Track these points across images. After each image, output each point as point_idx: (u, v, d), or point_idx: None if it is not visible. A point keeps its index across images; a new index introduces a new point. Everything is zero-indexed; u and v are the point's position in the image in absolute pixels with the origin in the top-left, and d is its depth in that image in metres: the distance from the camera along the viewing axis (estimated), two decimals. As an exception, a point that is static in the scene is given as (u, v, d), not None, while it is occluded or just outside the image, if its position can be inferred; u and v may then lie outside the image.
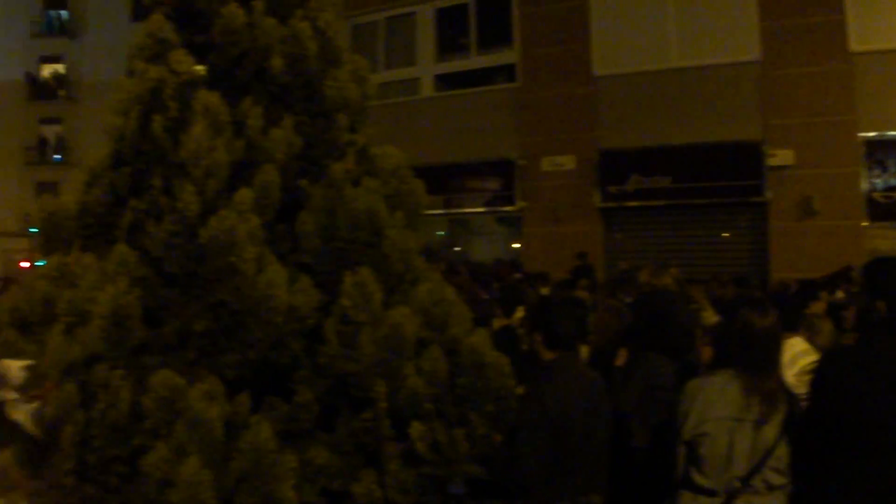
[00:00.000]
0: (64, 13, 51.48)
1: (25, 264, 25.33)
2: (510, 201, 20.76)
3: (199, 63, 4.42)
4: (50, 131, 51.24)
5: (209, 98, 4.13)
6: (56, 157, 50.84)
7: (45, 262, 4.42)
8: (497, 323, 8.51)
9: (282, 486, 3.68)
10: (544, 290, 13.33)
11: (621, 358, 6.05)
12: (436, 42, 22.42)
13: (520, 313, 9.07)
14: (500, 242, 22.66)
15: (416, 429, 4.03)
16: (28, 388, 2.04)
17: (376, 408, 3.95)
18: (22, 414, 2.02)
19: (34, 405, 2.06)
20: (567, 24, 20.01)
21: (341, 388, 4.04)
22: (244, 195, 3.86)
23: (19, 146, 50.44)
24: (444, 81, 22.34)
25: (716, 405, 4.19)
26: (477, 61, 21.84)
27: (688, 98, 18.56)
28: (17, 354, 3.86)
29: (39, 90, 50.86)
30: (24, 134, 50.56)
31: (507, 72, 21.30)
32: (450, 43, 22.42)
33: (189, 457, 3.49)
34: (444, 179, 20.44)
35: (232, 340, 3.81)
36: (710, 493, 4.14)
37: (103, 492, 3.61)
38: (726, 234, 18.65)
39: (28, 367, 2.09)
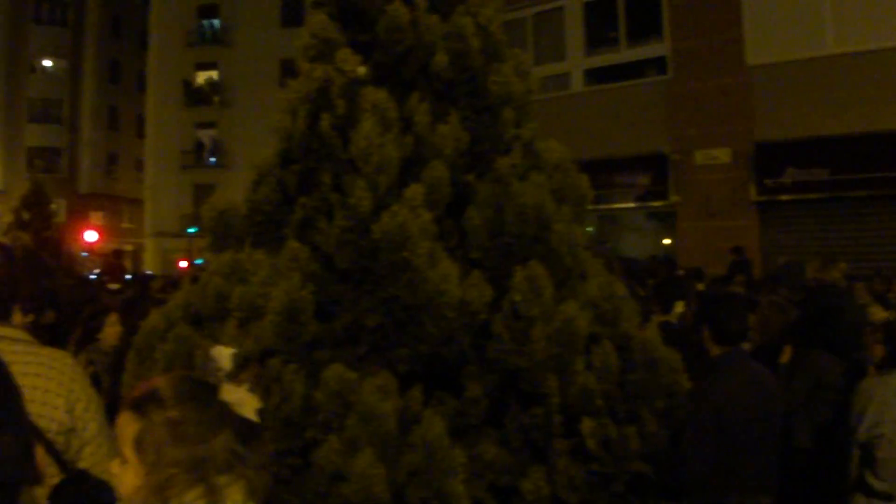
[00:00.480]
0: (216, 22, 53.30)
1: (183, 263, 26.34)
2: (663, 196, 20.37)
3: (363, 61, 4.46)
4: (205, 135, 53.24)
5: (377, 95, 4.17)
6: (211, 159, 52.82)
7: (206, 259, 4.54)
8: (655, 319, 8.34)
9: (452, 481, 3.68)
10: (699, 286, 13.05)
11: (786, 355, 5.87)
12: (584, 36, 22.21)
13: (679, 308, 8.89)
14: (650, 238, 22.29)
15: (586, 425, 3.97)
16: (236, 375, 2.08)
17: (547, 403, 3.91)
18: (233, 396, 2.06)
19: (243, 388, 2.10)
20: (718, 13, 19.48)
21: (510, 384, 4.01)
22: (415, 191, 3.88)
23: (177, 150, 52.60)
24: (594, 76, 22.10)
25: (893, 406, 4.02)
26: (627, 54, 21.52)
27: (845, 86, 17.81)
28: (191, 349, 3.98)
29: (195, 96, 52.86)
30: (182, 138, 52.69)
31: (658, 64, 20.92)
32: (599, 37, 22.18)
33: (362, 450, 3.52)
34: (593, 174, 20.15)
35: (403, 335, 3.83)
36: (887, 498, 3.97)
37: (275, 483, 3.68)
38: (888, 228, 17.84)
39: (235, 355, 2.13)
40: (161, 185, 52.63)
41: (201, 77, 53.57)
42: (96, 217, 62.72)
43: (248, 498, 2.02)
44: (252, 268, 4.02)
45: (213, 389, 2.07)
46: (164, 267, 39.69)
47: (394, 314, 3.80)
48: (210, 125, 52.76)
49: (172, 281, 16.17)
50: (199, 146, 53.00)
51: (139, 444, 2.00)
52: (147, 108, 56.47)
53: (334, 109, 4.20)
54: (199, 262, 27.12)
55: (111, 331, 6.56)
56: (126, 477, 2.04)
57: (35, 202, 42.65)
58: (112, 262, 18.07)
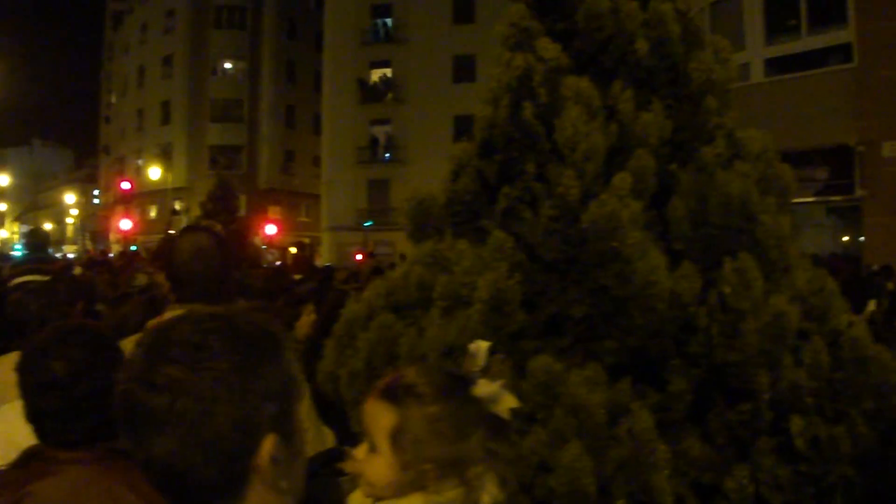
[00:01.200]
0: (389, 21, 54.23)
1: (359, 256, 26.89)
2: (847, 190, 19.51)
3: (562, 50, 4.39)
4: (380, 131, 54.30)
5: (579, 83, 4.10)
6: (386, 155, 53.79)
7: (396, 251, 4.57)
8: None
9: (658, 476, 3.60)
10: (889, 285, 12.53)
11: None
12: (764, 25, 21.48)
13: (871, 307, 8.54)
14: (829, 234, 21.41)
15: (795, 423, 3.80)
16: (489, 369, 2.06)
17: (757, 399, 3.76)
18: (488, 391, 2.04)
19: (498, 384, 2.07)
20: (909, -6, 18.52)
21: (714, 379, 3.88)
22: (623, 179, 3.79)
23: (352, 146, 53.81)
24: (775, 66, 21.35)
25: None
26: (808, 42, 20.71)
27: None
28: (395, 336, 4.02)
29: (369, 93, 53.95)
30: (357, 135, 53.88)
31: (842, 52, 20.04)
32: (779, 25, 21.42)
33: (569, 442, 3.47)
34: (772, 168, 19.42)
35: (611, 327, 3.75)
36: None
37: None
38: None
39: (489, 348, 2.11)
40: (337, 180, 53.94)
41: (375, 75, 54.60)
42: (274, 211, 64.88)
43: (500, 490, 2.00)
44: (454, 257, 4.01)
45: (468, 385, 2.05)
46: (339, 259, 40.67)
47: (601, 305, 3.72)
48: (384, 122, 53.74)
49: (354, 273, 16.57)
50: (374, 142, 54.05)
51: (395, 438, 1.99)
52: (323, 105, 58.00)
53: (536, 98, 4.15)
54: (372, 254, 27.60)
55: (306, 320, 6.71)
56: (375, 466, 2.03)
57: (221, 196, 44.61)
58: (299, 254, 18.74)
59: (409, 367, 2.15)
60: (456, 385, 2.05)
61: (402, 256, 25.15)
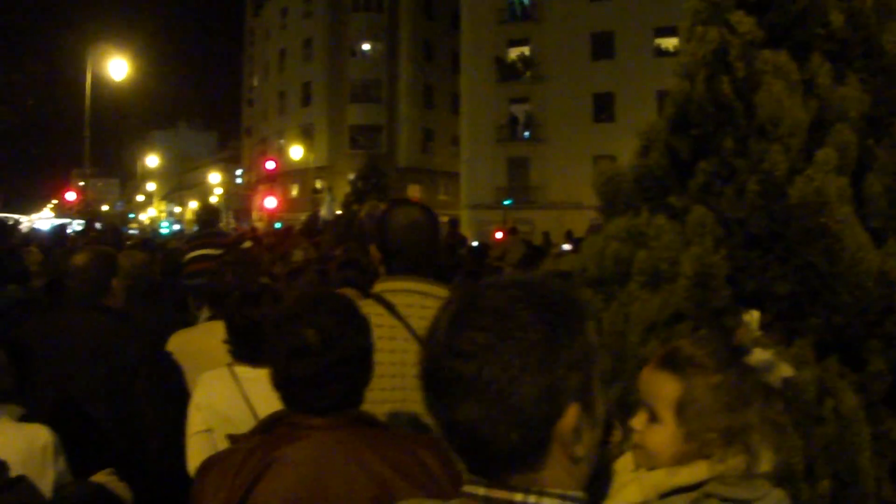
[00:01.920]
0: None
1: (499, 234, 26.87)
2: None
3: (756, 23, 4.31)
4: (518, 110, 54.22)
5: (777, 57, 4.02)
6: (525, 133, 53.69)
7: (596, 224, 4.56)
8: None
9: (862, 458, 3.53)
10: None
11: None
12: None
13: None
14: None
15: None
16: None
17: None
18: (762, 359, 2.06)
19: (770, 352, 2.09)
20: None
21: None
22: (828, 154, 3.71)
23: (491, 125, 53.90)
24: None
25: None
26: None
27: None
28: (595, 313, 4.04)
29: (508, 72, 53.89)
30: (495, 113, 53.93)
31: None
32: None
33: (778, 420, 3.43)
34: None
35: (817, 304, 3.69)
36: None
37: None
38: None
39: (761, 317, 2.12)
40: (476, 159, 54.13)
41: (513, 53, 54.42)
42: (414, 190, 65.53)
43: (775, 456, 2.01)
44: (653, 232, 4.00)
45: (745, 354, 2.07)
46: (479, 238, 40.87)
47: (808, 282, 3.66)
48: (523, 100, 53.59)
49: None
50: (513, 121, 53.97)
51: (681, 409, 2.02)
52: (461, 85, 58.19)
53: (733, 72, 4.09)
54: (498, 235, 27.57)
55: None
56: (657, 436, 2.06)
57: (370, 175, 45.53)
58: (453, 231, 19.01)
59: (684, 339, 2.17)
60: (734, 355, 2.07)
61: (546, 235, 25.05)
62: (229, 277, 5.27)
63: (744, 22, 4.24)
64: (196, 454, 3.59)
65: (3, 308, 6.92)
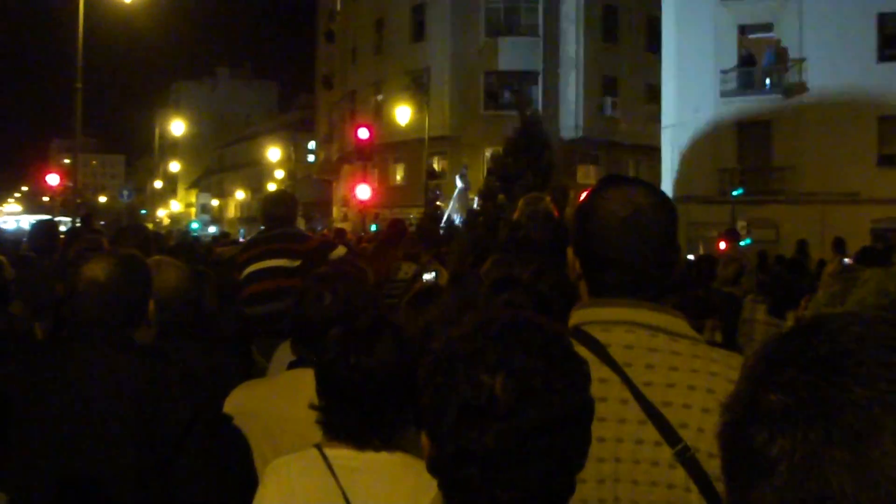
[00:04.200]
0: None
1: (723, 245, 27.07)
2: None
3: None
4: (759, 44, 53.55)
5: None
6: (766, 82, 53.16)
7: None
8: None
9: None
10: None
11: None
12: None
13: None
14: None
15: None
16: None
17: None
18: None
19: None
20: None
21: None
22: None
23: (712, 69, 53.48)
24: None
25: None
26: None
27: None
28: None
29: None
30: (719, 52, 53.37)
31: None
32: None
33: None
34: None
35: None
36: None
37: None
38: None
39: None
40: (685, 124, 53.45)
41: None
42: (586, 171, 65.89)
43: None
44: None
45: None
46: (696, 246, 40.47)
47: None
48: (765, 27, 52.56)
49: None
50: (747, 60, 53.10)
51: None
52: (664, 4, 57.62)
53: None
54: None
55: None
56: None
57: (520, 151, 45.39)
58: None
59: None
60: None
61: (802, 244, 24.73)
62: (328, 302, 5.06)
63: None
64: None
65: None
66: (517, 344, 2.43)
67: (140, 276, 4.72)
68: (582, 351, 2.87)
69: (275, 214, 10.84)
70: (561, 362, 2.45)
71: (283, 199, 11.49)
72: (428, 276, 12.21)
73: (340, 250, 11.26)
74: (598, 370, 2.94)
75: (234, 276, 10.36)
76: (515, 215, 15.54)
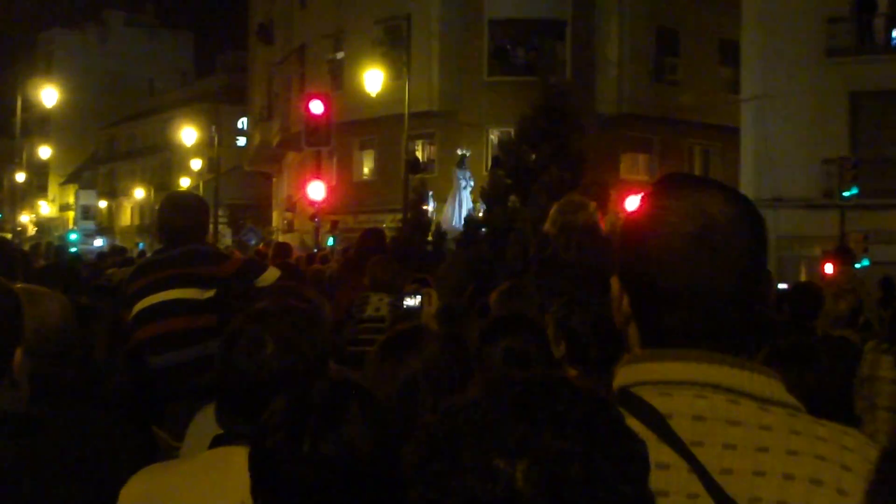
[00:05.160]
0: None
1: (829, 267, 27.57)
2: None
3: None
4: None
5: None
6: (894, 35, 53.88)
7: None
8: None
9: None
10: None
11: None
12: None
13: None
14: None
15: None
16: None
17: None
18: None
19: None
20: None
21: None
22: None
23: (812, 23, 53.98)
24: None
25: None
26: None
27: None
28: None
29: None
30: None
31: None
32: None
33: None
34: None
35: None
36: None
37: None
38: None
39: None
40: (776, 97, 53.76)
41: None
42: (630, 159, 67.32)
43: None
44: None
45: None
46: (781, 267, 41.18)
47: None
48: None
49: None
50: (863, 6, 53.92)
51: None
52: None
53: None
54: None
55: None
56: None
57: (544, 132, 45.92)
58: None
59: None
60: None
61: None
62: (270, 351, 4.93)
63: None
64: None
65: None
66: (545, 417, 2.39)
67: (3, 316, 4.53)
68: (633, 424, 2.84)
69: (175, 226, 10.85)
70: (607, 442, 2.41)
71: (186, 205, 11.48)
72: (410, 302, 12.20)
73: (271, 274, 11.25)
74: (656, 452, 2.92)
75: (124, 315, 10.22)
76: (546, 226, 15.07)
